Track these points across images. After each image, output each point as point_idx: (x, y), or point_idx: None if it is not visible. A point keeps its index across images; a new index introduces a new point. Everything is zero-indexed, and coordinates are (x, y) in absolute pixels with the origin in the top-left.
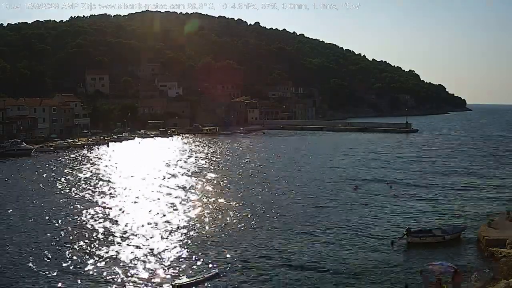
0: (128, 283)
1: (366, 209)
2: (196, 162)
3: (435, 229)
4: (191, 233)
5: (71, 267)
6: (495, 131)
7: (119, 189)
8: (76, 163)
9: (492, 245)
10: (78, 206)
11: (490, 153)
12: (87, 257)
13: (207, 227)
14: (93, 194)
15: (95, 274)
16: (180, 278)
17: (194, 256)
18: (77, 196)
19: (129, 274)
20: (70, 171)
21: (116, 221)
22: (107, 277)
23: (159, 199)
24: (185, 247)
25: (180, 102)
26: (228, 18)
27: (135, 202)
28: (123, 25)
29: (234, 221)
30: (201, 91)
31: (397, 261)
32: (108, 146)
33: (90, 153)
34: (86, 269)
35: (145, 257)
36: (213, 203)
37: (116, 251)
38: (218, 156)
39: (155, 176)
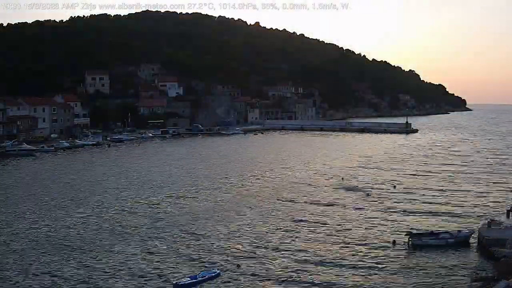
0: (127, 280)
1: (367, 208)
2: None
3: (438, 232)
4: (191, 230)
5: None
6: None
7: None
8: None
9: (492, 245)
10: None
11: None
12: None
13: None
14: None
15: (94, 271)
16: (181, 277)
17: (196, 255)
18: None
19: (127, 272)
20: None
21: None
22: (106, 273)
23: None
24: (186, 245)
25: (180, 102)
26: (228, 18)
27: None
28: (123, 25)
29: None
30: (201, 91)
31: (398, 263)
32: (109, 147)
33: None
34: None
35: (145, 254)
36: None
37: (120, 248)
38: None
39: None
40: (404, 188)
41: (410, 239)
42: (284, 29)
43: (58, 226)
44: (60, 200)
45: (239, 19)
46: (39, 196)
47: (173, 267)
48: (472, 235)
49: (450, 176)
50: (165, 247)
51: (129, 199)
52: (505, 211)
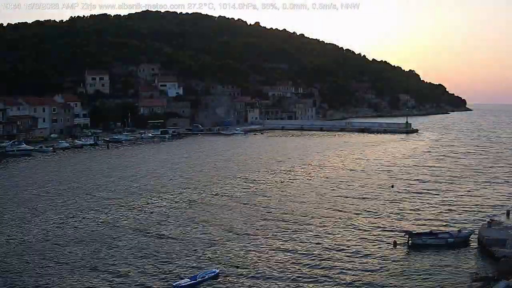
0: (123, 284)
1: (367, 208)
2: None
3: (438, 232)
4: (193, 230)
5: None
6: None
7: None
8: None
9: (492, 245)
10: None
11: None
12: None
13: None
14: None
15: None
16: (179, 279)
17: (195, 256)
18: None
19: (125, 274)
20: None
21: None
22: (101, 277)
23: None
24: (186, 245)
25: (180, 102)
26: (228, 18)
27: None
28: (123, 25)
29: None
30: (201, 91)
31: (398, 262)
32: (108, 148)
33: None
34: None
35: (147, 254)
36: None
37: (114, 250)
38: None
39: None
40: (402, 188)
41: (410, 238)
42: (284, 29)
43: (50, 229)
44: (51, 202)
45: (239, 19)
46: (29, 198)
47: (173, 266)
48: (472, 235)
49: (450, 176)
50: (164, 247)
51: (125, 199)
52: (505, 211)
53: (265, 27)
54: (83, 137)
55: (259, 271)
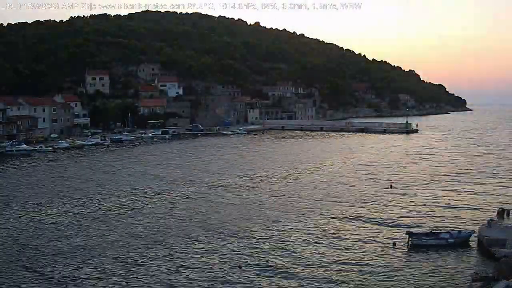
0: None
1: (367, 209)
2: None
3: (438, 232)
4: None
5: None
6: None
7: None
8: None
9: (492, 245)
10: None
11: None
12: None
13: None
14: None
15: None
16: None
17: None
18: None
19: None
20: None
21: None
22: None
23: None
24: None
25: (180, 102)
26: (228, 18)
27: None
28: (123, 25)
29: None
30: (201, 91)
31: (398, 263)
32: (108, 148)
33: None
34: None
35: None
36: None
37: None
38: None
39: None
40: (401, 188)
41: (410, 238)
42: (284, 29)
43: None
44: (48, 203)
45: (239, 19)
46: (27, 198)
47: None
48: (472, 235)
49: (449, 176)
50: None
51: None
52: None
53: (265, 27)
54: (87, 136)
55: (257, 269)
